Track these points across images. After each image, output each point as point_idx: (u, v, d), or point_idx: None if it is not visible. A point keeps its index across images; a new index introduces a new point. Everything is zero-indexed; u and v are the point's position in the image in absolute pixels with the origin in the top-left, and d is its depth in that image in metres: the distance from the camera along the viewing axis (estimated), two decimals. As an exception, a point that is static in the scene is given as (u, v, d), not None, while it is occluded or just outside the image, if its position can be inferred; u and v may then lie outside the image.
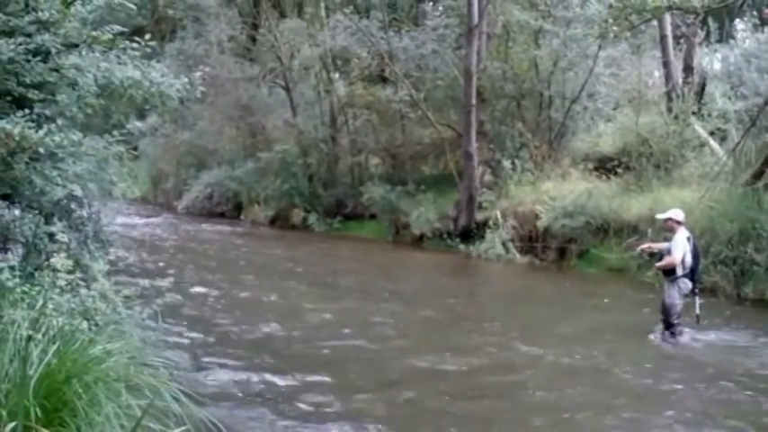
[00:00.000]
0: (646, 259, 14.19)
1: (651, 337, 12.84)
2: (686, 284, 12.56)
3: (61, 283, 6.67)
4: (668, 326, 12.59)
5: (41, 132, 7.27)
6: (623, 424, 8.89)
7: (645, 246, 13.91)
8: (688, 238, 12.68)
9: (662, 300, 12.73)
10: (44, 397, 4.96)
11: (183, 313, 13.48)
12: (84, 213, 9.92)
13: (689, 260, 12.52)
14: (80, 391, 5.06)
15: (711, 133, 21.49)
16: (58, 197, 8.63)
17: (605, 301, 16.21)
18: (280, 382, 9.94)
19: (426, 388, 9.98)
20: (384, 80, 29.93)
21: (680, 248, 12.51)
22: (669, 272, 12.63)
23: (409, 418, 8.94)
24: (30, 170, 7.75)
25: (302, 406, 9.04)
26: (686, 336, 12.72)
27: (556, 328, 13.63)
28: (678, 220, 12.75)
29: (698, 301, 12.70)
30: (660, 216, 13.35)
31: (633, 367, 11.27)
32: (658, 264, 12.94)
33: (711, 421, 8.91)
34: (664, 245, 13.20)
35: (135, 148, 31.33)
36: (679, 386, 10.48)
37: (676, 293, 12.54)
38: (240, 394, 9.36)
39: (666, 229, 13.26)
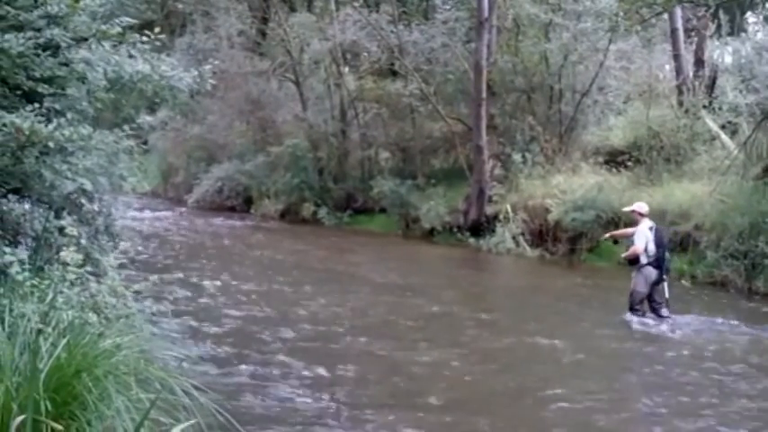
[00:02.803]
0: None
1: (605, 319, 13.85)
2: (651, 272, 13.54)
3: (71, 276, 6.67)
4: (631, 309, 13.62)
5: (51, 126, 7.26)
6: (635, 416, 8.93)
7: (608, 234, 15.57)
8: (651, 228, 13.70)
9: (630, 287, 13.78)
10: (54, 390, 4.97)
11: (194, 307, 13.47)
12: (95, 207, 9.92)
13: (652, 248, 13.52)
14: (90, 384, 5.07)
15: (722, 127, 21.44)
16: (68, 191, 8.63)
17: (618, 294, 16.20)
18: (293, 375, 9.92)
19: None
20: (394, 74, 29.85)
21: (641, 238, 13.58)
22: (634, 261, 13.67)
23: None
24: (40, 164, 7.74)
25: (312, 400, 9.03)
26: (696, 328, 13.33)
27: (571, 323, 13.73)
28: (641, 212, 13.91)
29: (666, 287, 13.65)
30: (626, 209, 14.71)
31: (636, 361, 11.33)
32: (624, 254, 14.10)
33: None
34: (629, 230, 14.53)
35: (145, 143, 31.50)
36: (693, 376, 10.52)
37: (642, 281, 13.61)
38: (252, 387, 9.34)
39: (632, 221, 14.41)
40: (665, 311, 13.52)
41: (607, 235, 15.68)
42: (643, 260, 13.50)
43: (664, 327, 13.24)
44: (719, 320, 13.67)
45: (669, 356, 11.69)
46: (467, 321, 13.61)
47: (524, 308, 15.48)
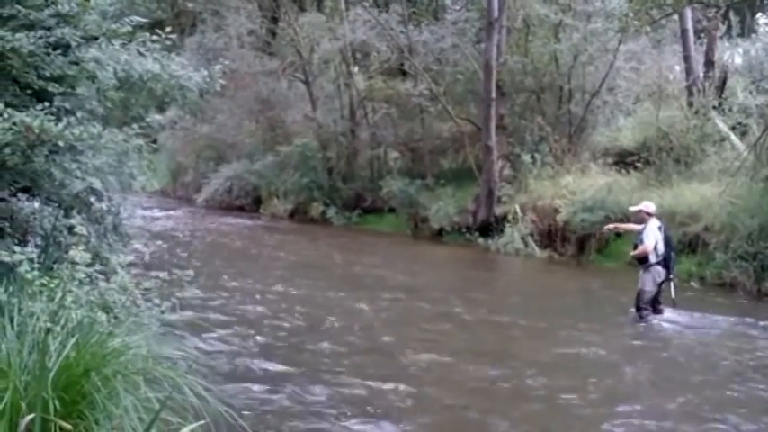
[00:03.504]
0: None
1: (620, 320, 13.86)
2: (659, 272, 13.53)
3: (80, 275, 6.66)
4: (638, 309, 13.62)
5: (61, 125, 7.27)
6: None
7: (611, 225, 15.85)
8: (659, 228, 13.69)
9: (638, 286, 13.73)
10: (63, 389, 4.98)
11: (203, 306, 13.41)
12: (104, 206, 9.94)
13: (661, 248, 13.52)
14: (98, 383, 5.07)
15: (732, 128, 21.40)
16: (77, 190, 8.66)
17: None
18: (303, 375, 9.85)
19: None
20: (404, 74, 29.89)
21: (651, 237, 13.54)
22: (643, 260, 13.63)
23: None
24: (49, 163, 7.75)
25: (318, 397, 8.98)
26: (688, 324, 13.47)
27: (604, 326, 13.54)
28: (649, 212, 13.90)
29: (673, 286, 13.71)
30: (633, 208, 14.55)
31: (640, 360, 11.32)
32: (633, 252, 14.03)
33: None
34: (631, 225, 14.87)
35: (154, 142, 31.54)
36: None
37: (649, 281, 13.56)
38: (261, 387, 9.31)
39: (639, 221, 14.32)
40: (646, 313, 13.55)
41: (611, 226, 15.83)
42: (652, 259, 13.47)
43: (680, 327, 13.22)
44: (743, 321, 13.67)
45: (697, 358, 11.49)
46: (508, 330, 13.27)
47: (556, 313, 14.80)
